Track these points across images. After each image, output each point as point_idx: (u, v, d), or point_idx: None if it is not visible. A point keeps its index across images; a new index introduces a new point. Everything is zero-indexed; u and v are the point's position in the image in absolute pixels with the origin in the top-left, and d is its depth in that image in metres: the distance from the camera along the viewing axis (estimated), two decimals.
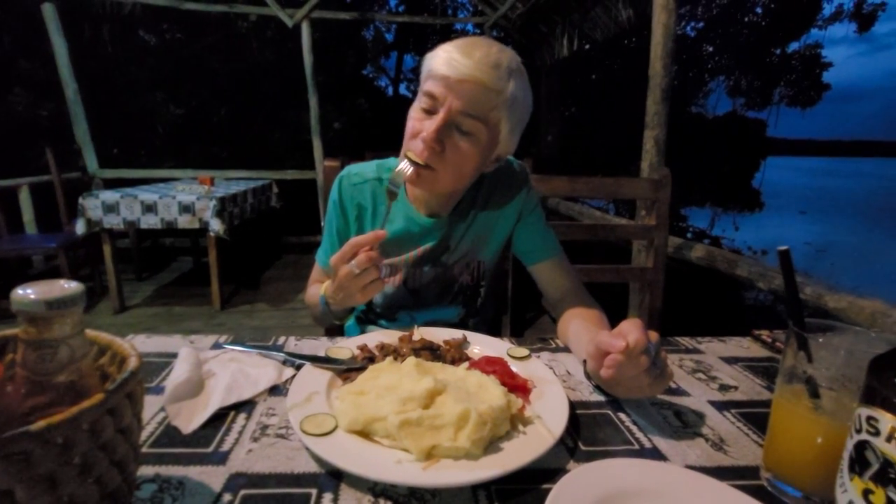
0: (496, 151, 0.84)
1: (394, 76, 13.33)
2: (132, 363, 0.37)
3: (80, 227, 2.87)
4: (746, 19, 13.78)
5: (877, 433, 0.36)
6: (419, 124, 0.79)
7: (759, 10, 13.66)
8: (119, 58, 6.49)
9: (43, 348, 0.34)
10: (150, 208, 2.91)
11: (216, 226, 2.90)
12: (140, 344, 0.76)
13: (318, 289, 0.91)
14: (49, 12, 3.99)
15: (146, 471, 0.47)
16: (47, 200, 3.42)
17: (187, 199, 2.92)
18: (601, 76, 12.39)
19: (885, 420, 0.35)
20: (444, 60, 0.75)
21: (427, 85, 0.78)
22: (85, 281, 3.39)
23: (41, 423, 0.29)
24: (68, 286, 0.34)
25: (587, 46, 5.01)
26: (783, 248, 0.47)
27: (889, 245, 9.84)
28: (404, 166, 0.79)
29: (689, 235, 9.08)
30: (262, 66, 7.40)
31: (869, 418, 0.36)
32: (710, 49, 14.08)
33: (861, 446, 0.37)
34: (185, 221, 2.94)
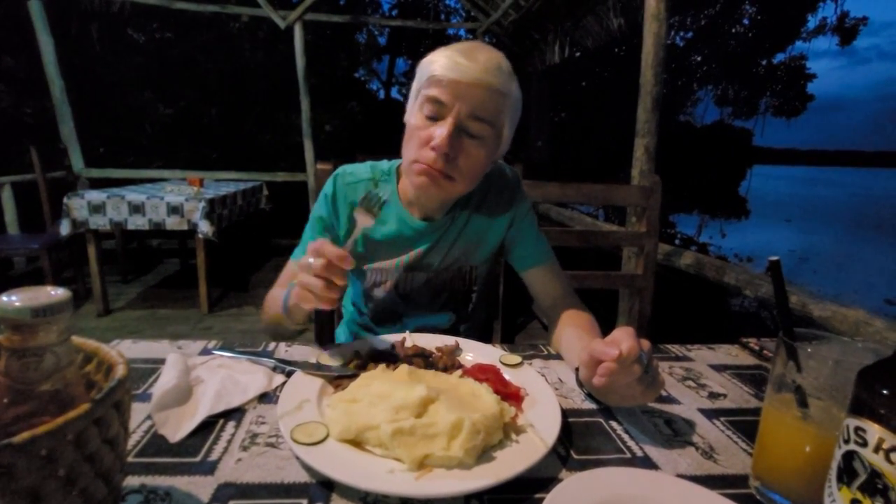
0: (497, 153, 0.85)
1: (385, 79, 13.35)
2: (119, 371, 0.37)
3: (64, 228, 2.81)
4: (734, 30, 14.04)
5: (864, 444, 0.36)
6: (425, 132, 0.77)
7: (746, 21, 13.94)
8: (107, 56, 6.40)
9: (27, 356, 0.33)
10: (137, 209, 2.86)
11: (205, 227, 2.87)
12: (126, 349, 0.74)
13: (282, 292, 0.83)
14: (36, 9, 3.93)
15: (132, 481, 0.46)
16: (31, 200, 3.34)
17: (176, 200, 2.88)
18: (591, 83, 12.52)
19: (873, 431, 0.36)
20: (449, 65, 0.74)
21: (431, 91, 0.76)
22: (68, 283, 3.33)
23: (25, 435, 0.28)
24: (55, 293, 0.34)
25: (578, 54, 5.07)
26: (774, 258, 0.47)
27: (867, 253, 10.07)
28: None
29: (677, 242, 9.19)
30: (253, 68, 7.36)
31: (857, 429, 0.37)
32: (699, 59, 14.32)
33: (849, 456, 0.37)
34: (173, 223, 2.90)
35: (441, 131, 0.75)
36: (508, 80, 0.78)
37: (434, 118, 0.77)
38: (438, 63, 0.76)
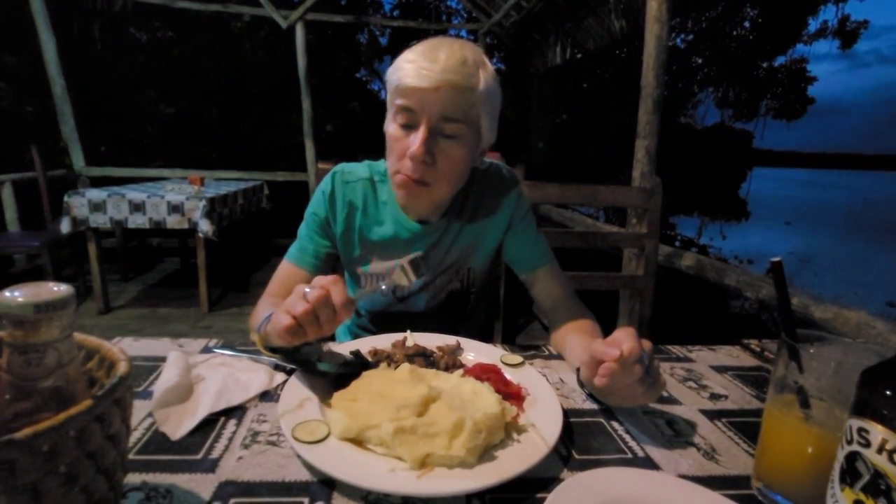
0: (481, 146, 0.85)
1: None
2: (121, 368, 0.37)
3: (64, 226, 2.81)
4: (735, 33, 14.04)
5: (867, 444, 0.36)
6: (402, 143, 0.78)
7: (747, 24, 13.94)
8: (108, 55, 6.40)
9: (29, 352, 0.33)
10: (138, 208, 2.86)
11: (205, 227, 2.87)
12: (127, 347, 0.74)
13: (270, 306, 0.78)
14: (37, 7, 3.93)
15: (133, 478, 0.46)
16: (31, 198, 3.34)
17: (176, 199, 2.88)
18: (593, 85, 12.51)
19: (876, 432, 0.35)
20: (412, 72, 0.74)
21: (400, 100, 0.76)
22: (69, 281, 3.31)
23: (27, 431, 0.28)
24: (57, 289, 0.34)
25: (579, 55, 5.08)
26: (776, 259, 0.47)
27: (868, 255, 10.07)
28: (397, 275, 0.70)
29: (677, 243, 9.19)
30: (254, 67, 7.36)
31: (860, 430, 0.37)
32: (700, 61, 14.32)
33: (852, 457, 0.37)
34: (173, 222, 2.90)
35: (415, 140, 0.75)
36: (475, 72, 0.76)
37: (408, 126, 0.77)
38: (403, 70, 0.75)
